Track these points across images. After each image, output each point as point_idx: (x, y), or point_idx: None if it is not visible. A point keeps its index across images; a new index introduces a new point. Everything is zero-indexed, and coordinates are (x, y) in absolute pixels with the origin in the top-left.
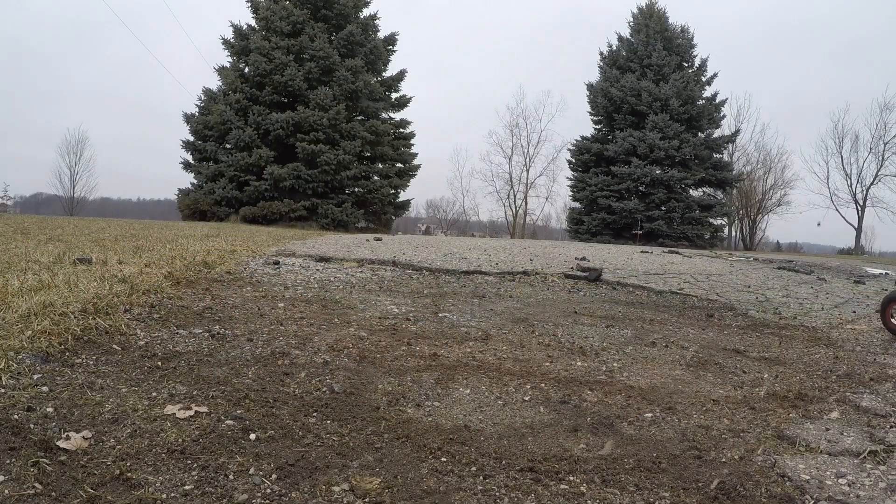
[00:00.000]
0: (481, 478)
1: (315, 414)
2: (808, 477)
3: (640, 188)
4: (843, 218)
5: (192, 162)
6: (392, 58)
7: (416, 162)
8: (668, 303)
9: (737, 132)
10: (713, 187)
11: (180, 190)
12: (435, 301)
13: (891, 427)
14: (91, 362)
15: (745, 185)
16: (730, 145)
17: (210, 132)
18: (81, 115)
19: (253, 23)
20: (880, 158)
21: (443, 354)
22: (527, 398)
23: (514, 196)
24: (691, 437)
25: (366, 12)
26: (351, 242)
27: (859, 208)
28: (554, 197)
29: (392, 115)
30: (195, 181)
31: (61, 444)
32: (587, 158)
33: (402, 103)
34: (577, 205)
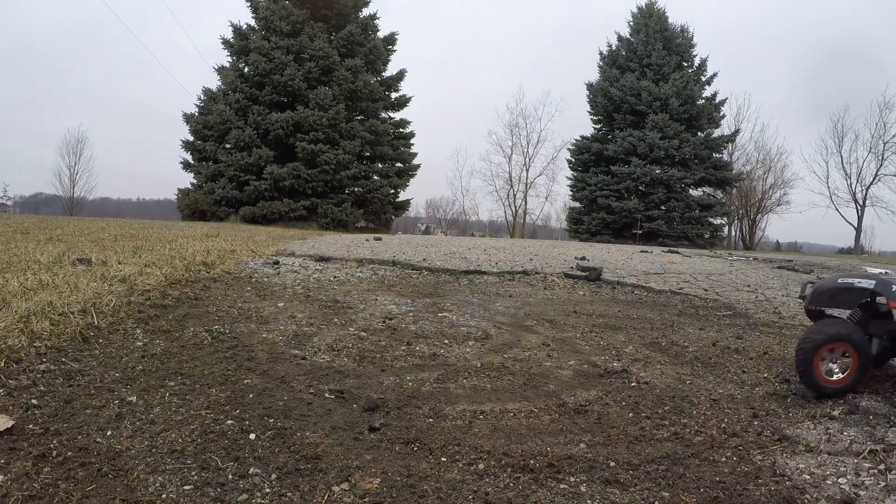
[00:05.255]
0: (482, 478)
1: (315, 413)
2: (808, 477)
3: (640, 188)
4: (843, 217)
5: (192, 162)
6: (392, 57)
7: (415, 162)
8: (668, 302)
9: (736, 132)
10: (713, 187)
11: (180, 190)
12: (435, 301)
13: (891, 427)
14: (91, 362)
15: (744, 185)
16: (729, 145)
17: (210, 132)
18: (81, 115)
19: (253, 23)
20: (880, 158)
21: (443, 354)
22: (527, 397)
23: (514, 196)
24: (691, 438)
25: (365, 12)
26: (351, 242)
27: (859, 208)
28: (554, 196)
29: (392, 114)
30: (195, 181)
31: (61, 443)
32: (587, 158)
33: (402, 103)
34: (577, 204)
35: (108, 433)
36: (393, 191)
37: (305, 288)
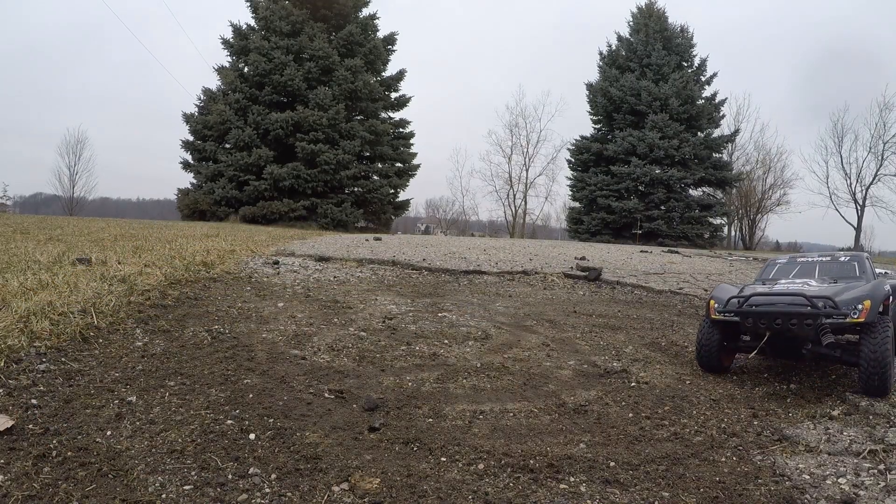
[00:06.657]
0: (482, 478)
1: (315, 413)
2: (808, 477)
3: (640, 188)
4: (843, 217)
5: (192, 162)
6: (391, 57)
7: (415, 161)
8: (668, 302)
9: (736, 132)
10: (713, 187)
11: (180, 190)
12: (434, 301)
13: (890, 427)
14: (91, 362)
15: (744, 185)
16: (729, 145)
17: (210, 132)
18: (81, 115)
19: (253, 23)
20: (880, 158)
21: (443, 354)
22: (527, 397)
23: (514, 196)
24: (691, 438)
25: (365, 12)
26: (350, 242)
27: (858, 208)
28: (553, 196)
29: (391, 114)
30: (195, 181)
31: (61, 443)
32: (587, 158)
33: (402, 103)
34: (577, 204)
35: (108, 433)
36: (393, 191)
37: (305, 288)
